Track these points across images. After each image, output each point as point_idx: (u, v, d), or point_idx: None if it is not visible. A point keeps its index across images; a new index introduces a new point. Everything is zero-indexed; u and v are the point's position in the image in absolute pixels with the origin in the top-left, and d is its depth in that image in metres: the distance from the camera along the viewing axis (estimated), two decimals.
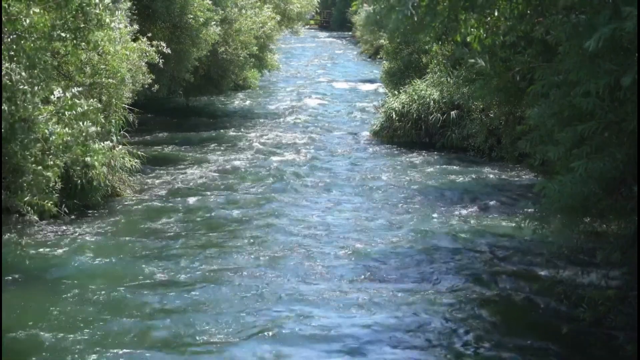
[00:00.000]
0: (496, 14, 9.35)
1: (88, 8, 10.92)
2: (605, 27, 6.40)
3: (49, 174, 10.34)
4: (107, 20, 12.18)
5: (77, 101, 10.71)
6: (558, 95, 8.14)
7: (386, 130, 21.88)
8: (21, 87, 9.40)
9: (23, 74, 9.40)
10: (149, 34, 16.57)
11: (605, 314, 9.63)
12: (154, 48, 16.07)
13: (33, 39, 9.76)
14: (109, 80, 13.72)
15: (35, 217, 12.55)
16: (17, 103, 9.32)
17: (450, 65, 16.18)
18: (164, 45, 16.47)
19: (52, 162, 11.30)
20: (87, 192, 13.77)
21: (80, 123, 10.58)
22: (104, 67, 13.88)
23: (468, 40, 9.52)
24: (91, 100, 11.69)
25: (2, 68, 9.40)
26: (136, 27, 16.12)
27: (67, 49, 11.91)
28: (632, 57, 6.91)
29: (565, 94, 7.98)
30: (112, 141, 14.43)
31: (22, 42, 9.78)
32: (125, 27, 15.62)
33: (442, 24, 8.95)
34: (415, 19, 8.07)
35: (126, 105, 15.31)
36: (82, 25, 11.22)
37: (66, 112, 10.39)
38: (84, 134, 10.70)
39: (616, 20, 6.51)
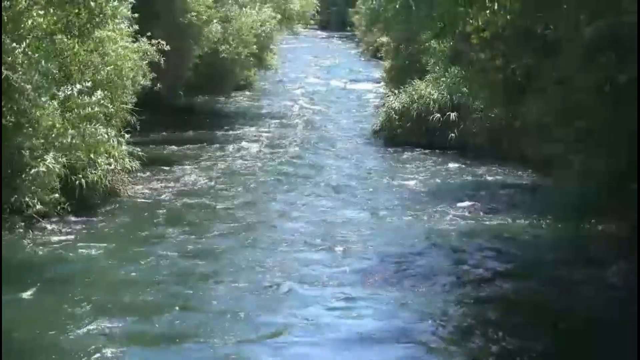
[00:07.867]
0: (496, 7, 9.29)
1: (92, 4, 10.86)
2: (604, 19, 6.40)
3: (51, 172, 10.35)
4: (110, 13, 12.12)
5: (84, 99, 10.65)
6: (557, 92, 8.13)
7: (386, 130, 21.86)
8: (23, 85, 9.39)
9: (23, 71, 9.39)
10: (149, 33, 16.55)
11: (605, 312, 9.65)
12: (154, 47, 16.04)
13: (35, 37, 9.75)
14: (113, 77, 13.70)
15: (36, 216, 12.62)
16: (20, 102, 9.32)
17: (448, 60, 16.14)
18: (164, 43, 16.44)
19: (53, 162, 11.32)
20: (88, 192, 13.77)
21: (87, 124, 10.53)
22: (104, 67, 13.87)
23: (468, 31, 9.45)
24: (99, 92, 11.57)
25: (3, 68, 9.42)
26: (136, 27, 16.11)
27: (71, 49, 11.86)
28: (631, 53, 6.91)
29: (564, 90, 7.97)
30: (114, 142, 14.41)
31: (23, 42, 9.78)
32: (127, 28, 15.63)
33: (440, 16, 8.93)
34: (414, 9, 8.09)
35: (128, 107, 15.32)
36: (85, 22, 11.17)
37: (74, 110, 10.33)
38: (89, 134, 10.64)
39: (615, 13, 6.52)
